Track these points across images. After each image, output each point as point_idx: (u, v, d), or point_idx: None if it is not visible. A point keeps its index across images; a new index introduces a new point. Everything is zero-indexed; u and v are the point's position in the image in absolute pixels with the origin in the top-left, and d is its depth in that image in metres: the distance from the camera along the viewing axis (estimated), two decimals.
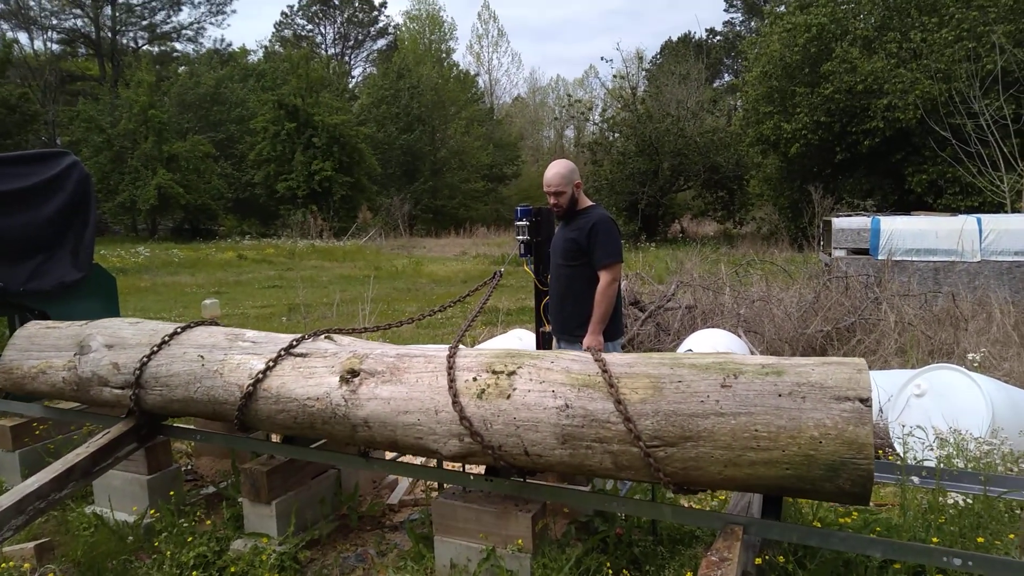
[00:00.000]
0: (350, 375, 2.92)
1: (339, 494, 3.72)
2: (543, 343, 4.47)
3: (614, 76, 34.56)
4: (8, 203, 4.50)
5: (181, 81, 40.83)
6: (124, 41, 48.76)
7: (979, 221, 10.95)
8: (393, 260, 22.91)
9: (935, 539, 2.66)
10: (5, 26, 41.57)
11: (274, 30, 58.45)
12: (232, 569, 3.08)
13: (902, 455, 3.83)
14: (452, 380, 2.71)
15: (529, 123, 56.58)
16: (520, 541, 2.79)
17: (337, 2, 57.61)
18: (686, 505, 3.40)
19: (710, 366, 2.43)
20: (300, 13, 58.14)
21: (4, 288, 4.37)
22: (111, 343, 3.61)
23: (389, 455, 3.97)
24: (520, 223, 4.46)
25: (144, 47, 49.47)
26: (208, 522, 3.51)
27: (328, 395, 2.91)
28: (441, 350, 2.95)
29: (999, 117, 17.35)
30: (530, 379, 2.62)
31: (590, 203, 4.11)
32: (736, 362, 2.45)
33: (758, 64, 25.37)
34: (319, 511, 3.58)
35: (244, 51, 51.77)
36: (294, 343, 3.21)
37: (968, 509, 2.85)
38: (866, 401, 2.18)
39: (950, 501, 2.95)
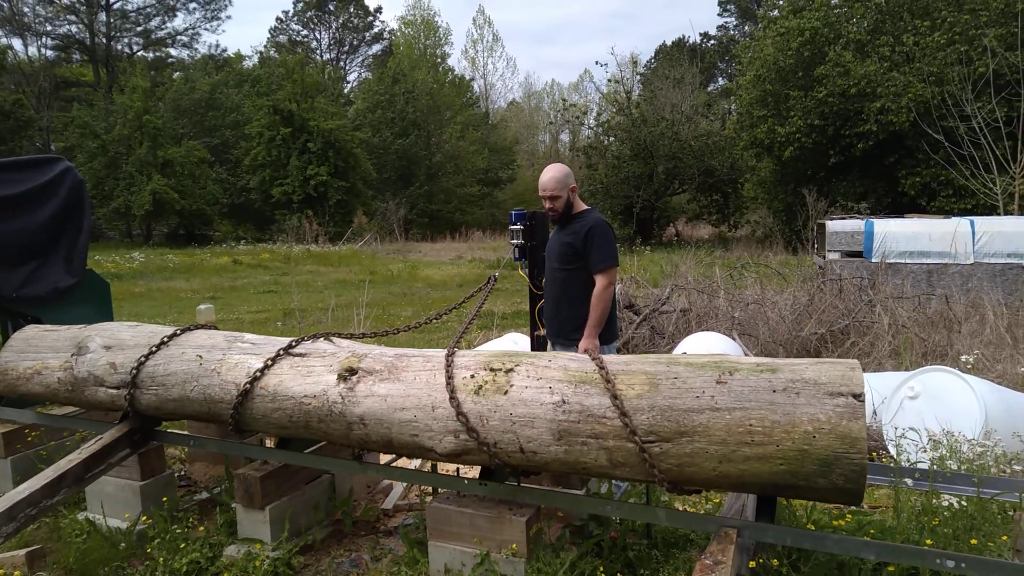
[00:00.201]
0: (348, 373, 2.94)
1: (333, 499, 3.70)
2: (538, 347, 4.47)
3: (609, 80, 34.56)
4: (1, 209, 4.49)
5: (176, 87, 40.77)
6: (119, 47, 48.74)
7: (972, 223, 11.00)
8: (389, 265, 22.89)
9: (929, 541, 2.66)
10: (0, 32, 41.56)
11: (269, 35, 58.69)
12: (225, 575, 3.06)
13: (896, 457, 3.84)
14: (450, 377, 2.73)
15: (524, 127, 56.68)
16: (514, 546, 2.78)
17: (332, 7, 57.64)
18: (680, 509, 3.40)
19: (706, 364, 2.46)
20: (295, 18, 58.20)
21: None
22: (109, 344, 3.62)
23: (384, 459, 3.97)
24: (514, 227, 4.46)
25: (139, 53, 49.46)
26: (201, 528, 3.49)
27: (325, 392, 2.93)
28: (439, 351, 2.97)
29: (991, 120, 17.46)
30: (528, 376, 2.64)
31: (585, 207, 4.12)
32: (731, 361, 2.48)
33: (752, 68, 25.49)
34: (313, 516, 3.56)
35: (239, 56, 51.83)
36: (293, 343, 3.24)
37: (962, 511, 2.86)
38: (859, 396, 2.20)
39: (944, 503, 2.95)
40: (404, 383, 2.83)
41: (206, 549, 3.26)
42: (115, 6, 46.20)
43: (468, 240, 33.86)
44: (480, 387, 2.68)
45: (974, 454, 3.31)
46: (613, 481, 3.70)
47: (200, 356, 3.33)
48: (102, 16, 46.03)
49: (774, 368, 2.36)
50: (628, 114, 30.41)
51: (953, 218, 12.13)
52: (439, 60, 50.94)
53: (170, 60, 50.60)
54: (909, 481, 2.99)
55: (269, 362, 3.13)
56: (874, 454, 4.23)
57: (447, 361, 2.81)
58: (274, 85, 37.27)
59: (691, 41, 52.28)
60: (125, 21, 47.71)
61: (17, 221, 4.60)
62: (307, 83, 35.81)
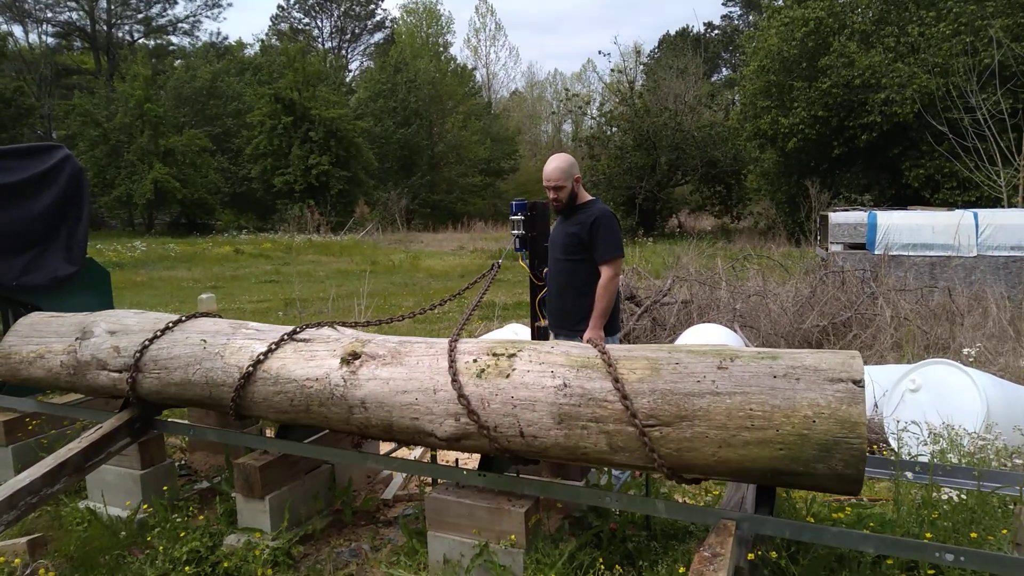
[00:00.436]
0: (351, 357, 2.97)
1: (333, 489, 3.71)
2: (539, 338, 4.46)
3: (612, 70, 34.35)
4: (1, 197, 4.48)
5: (177, 75, 40.62)
6: (120, 35, 48.58)
7: (975, 216, 10.94)
8: (390, 255, 22.86)
9: (928, 534, 2.66)
10: (0, 19, 41.41)
11: (270, 23, 58.28)
12: (225, 564, 3.07)
13: (896, 450, 3.83)
14: (453, 361, 2.76)
15: (527, 117, 56.47)
16: (513, 536, 2.78)
17: None
18: (680, 501, 3.41)
19: (707, 351, 2.49)
20: (296, 6, 57.89)
21: None
22: (114, 329, 3.66)
23: (383, 449, 3.97)
24: (515, 217, 4.45)
25: (140, 41, 49.30)
26: (201, 517, 3.50)
27: (328, 376, 2.96)
28: (442, 340, 3.00)
29: (996, 112, 17.34)
30: (530, 360, 2.67)
31: (590, 197, 4.10)
32: (733, 349, 2.51)
33: (755, 58, 25.34)
34: (313, 506, 3.57)
35: (240, 45, 51.59)
36: (298, 330, 3.27)
37: (962, 504, 2.85)
38: (859, 382, 2.21)
39: (944, 496, 2.94)
40: (407, 367, 2.86)
41: (206, 538, 3.27)
42: None
43: (470, 230, 33.77)
44: (482, 371, 2.71)
45: (975, 447, 3.30)
46: (612, 473, 3.70)
47: (204, 340, 3.36)
48: (103, 3, 45.87)
49: (775, 355, 2.39)
50: (631, 104, 30.26)
51: (957, 210, 12.06)
52: (441, 49, 50.69)
53: (171, 48, 50.46)
54: (909, 474, 2.98)
55: (273, 346, 3.17)
56: (875, 447, 4.23)
57: (450, 347, 2.84)
58: (275, 74, 37.10)
59: (695, 31, 51.99)
60: (126, 8, 47.52)
61: (17, 209, 4.60)
62: (309, 72, 35.64)
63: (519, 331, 6.38)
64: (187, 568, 3.05)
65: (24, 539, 3.31)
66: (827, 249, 11.88)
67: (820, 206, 19.68)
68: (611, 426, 2.43)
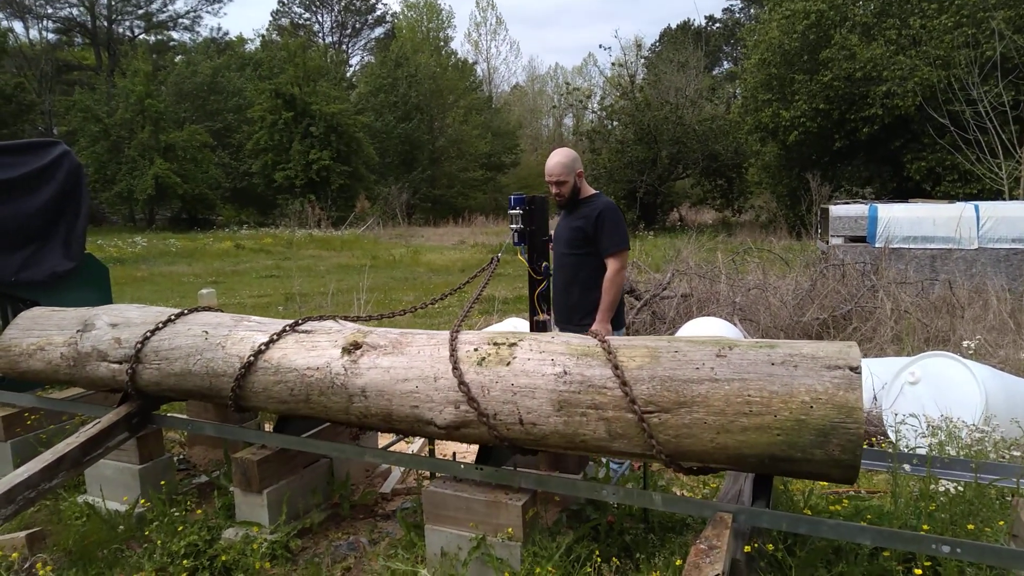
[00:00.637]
0: (353, 347, 2.99)
1: (331, 483, 3.71)
2: (537, 331, 4.45)
3: (613, 64, 34.37)
4: None
5: (178, 70, 40.58)
6: (120, 30, 48.52)
7: (976, 208, 10.93)
8: (391, 249, 22.86)
9: (926, 527, 2.66)
10: (0, 15, 41.34)
11: (271, 18, 58.25)
12: (223, 558, 3.07)
13: (894, 442, 3.83)
14: (454, 349, 2.78)
15: (528, 111, 56.36)
16: (510, 530, 2.78)
17: None
18: (678, 494, 3.41)
19: (706, 341, 2.53)
20: (297, 1, 57.80)
21: None
22: (116, 322, 3.66)
23: (381, 443, 3.98)
24: (514, 211, 4.43)
25: (140, 36, 49.19)
26: (199, 511, 3.51)
27: (328, 365, 2.97)
28: (443, 332, 3.02)
29: (998, 104, 17.29)
30: (531, 349, 2.70)
31: (593, 191, 4.10)
32: (731, 339, 2.55)
33: (757, 51, 25.25)
34: (311, 500, 3.57)
35: (241, 40, 51.55)
36: (300, 321, 3.29)
37: (959, 496, 2.85)
38: (856, 369, 2.24)
39: (941, 489, 2.94)
40: (408, 356, 2.89)
41: (204, 532, 3.27)
42: None
43: (471, 225, 33.76)
44: (483, 359, 2.73)
45: (972, 440, 3.29)
46: (611, 467, 3.70)
47: (206, 332, 3.37)
48: None
49: (773, 344, 2.43)
50: (632, 98, 30.18)
51: (958, 203, 12.04)
52: (442, 43, 50.59)
53: (172, 43, 50.39)
54: (907, 467, 2.98)
55: (275, 337, 3.18)
56: (873, 440, 4.22)
57: (451, 336, 2.87)
58: (276, 69, 37.04)
59: (696, 24, 51.85)
60: (126, 4, 47.43)
61: (15, 205, 4.59)
62: (309, 67, 35.59)
63: (518, 325, 6.38)
64: (185, 562, 3.06)
65: (23, 533, 3.32)
66: (828, 242, 11.87)
67: (821, 199, 19.66)
68: (610, 413, 2.46)
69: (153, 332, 3.45)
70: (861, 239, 11.31)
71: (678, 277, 8.95)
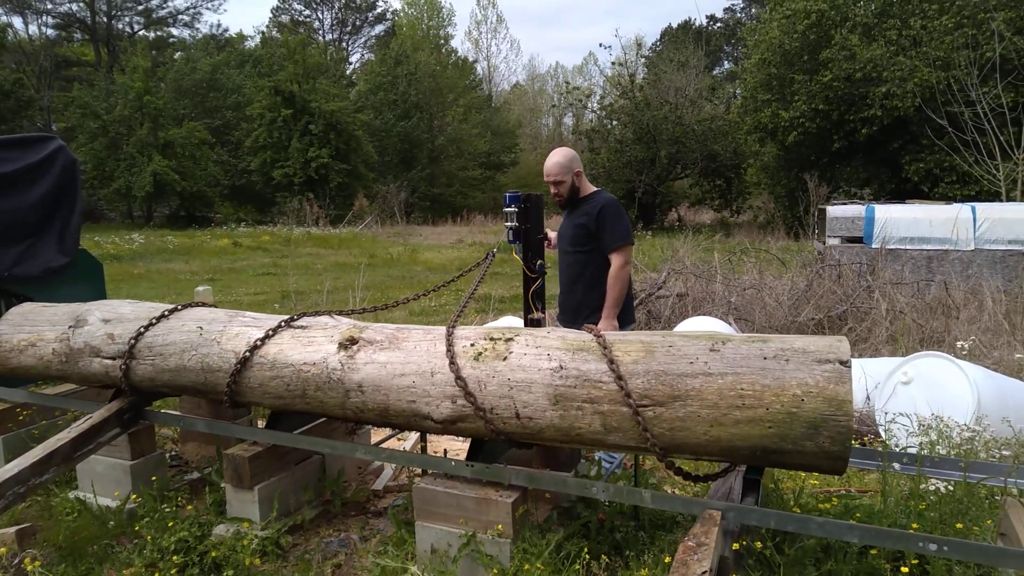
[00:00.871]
0: (349, 342, 3.01)
1: (323, 480, 3.71)
2: None
3: (613, 63, 34.35)
4: None
5: (177, 67, 40.51)
6: (120, 26, 48.45)
7: (973, 210, 10.94)
8: (389, 248, 22.85)
9: (915, 525, 2.66)
10: (0, 11, 41.26)
11: (271, 15, 58.18)
12: (213, 554, 3.07)
13: (885, 441, 3.83)
14: (451, 345, 2.81)
15: (527, 110, 56.35)
16: (500, 527, 2.78)
17: None
18: (669, 491, 3.41)
19: (700, 335, 2.57)
20: None
21: None
22: (109, 318, 3.66)
23: (374, 440, 3.97)
24: (509, 209, 4.42)
25: (140, 32, 49.15)
26: (190, 507, 3.50)
27: (325, 360, 2.99)
28: (440, 327, 3.03)
29: (996, 105, 17.30)
30: (527, 344, 2.73)
31: (594, 188, 4.09)
32: (725, 334, 2.59)
33: (757, 51, 25.27)
34: (302, 497, 3.57)
35: (241, 37, 51.45)
36: (295, 317, 3.30)
37: (949, 495, 2.85)
38: (845, 363, 2.29)
39: (931, 488, 2.94)
40: (404, 351, 2.91)
41: (195, 528, 3.26)
42: None
43: (469, 224, 33.74)
44: (480, 354, 2.75)
45: (963, 439, 3.30)
46: (602, 464, 3.70)
47: (201, 328, 3.37)
48: None
49: (765, 339, 2.48)
50: (631, 98, 30.18)
51: (954, 204, 12.06)
52: (442, 41, 50.58)
53: (171, 40, 50.29)
54: (897, 466, 2.98)
55: (270, 332, 3.18)
56: (865, 439, 4.23)
57: (448, 331, 2.90)
58: (275, 66, 37.02)
59: (697, 24, 51.86)
60: (126, 0, 47.38)
61: (9, 199, 4.59)
62: (309, 64, 35.55)
63: (513, 323, 6.38)
64: (175, 557, 3.05)
65: (13, 528, 3.31)
66: (824, 243, 11.87)
67: (819, 200, 19.65)
68: (605, 406, 2.49)
69: (147, 328, 3.44)
70: (858, 240, 11.32)
71: (674, 276, 8.95)
